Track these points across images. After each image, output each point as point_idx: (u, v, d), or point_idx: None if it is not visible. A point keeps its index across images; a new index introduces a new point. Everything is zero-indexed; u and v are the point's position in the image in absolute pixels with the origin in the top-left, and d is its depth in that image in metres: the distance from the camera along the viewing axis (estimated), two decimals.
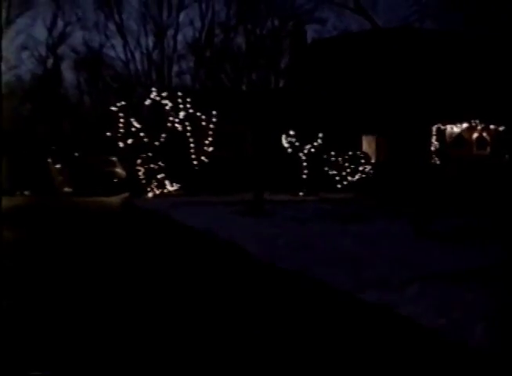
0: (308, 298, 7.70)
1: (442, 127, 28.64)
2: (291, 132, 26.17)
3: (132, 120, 24.35)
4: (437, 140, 28.56)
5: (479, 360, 5.41)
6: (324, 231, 13.56)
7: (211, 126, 25.57)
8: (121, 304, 7.32)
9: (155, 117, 25.35)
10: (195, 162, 25.47)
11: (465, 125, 28.96)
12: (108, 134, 24.85)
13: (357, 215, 16.77)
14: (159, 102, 24.97)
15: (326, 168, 27.21)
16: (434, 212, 17.03)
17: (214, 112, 25.44)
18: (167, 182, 25.00)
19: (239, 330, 6.34)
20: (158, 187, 24.87)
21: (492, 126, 29.61)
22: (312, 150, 26.45)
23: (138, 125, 24.34)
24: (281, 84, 46.80)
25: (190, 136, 25.29)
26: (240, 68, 48.03)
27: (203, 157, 25.51)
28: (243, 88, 46.75)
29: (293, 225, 14.61)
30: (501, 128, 29.76)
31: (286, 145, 26.34)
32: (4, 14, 41.51)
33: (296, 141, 26.22)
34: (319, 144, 26.46)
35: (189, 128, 25.19)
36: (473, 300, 7.12)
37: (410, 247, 11.18)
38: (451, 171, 28.23)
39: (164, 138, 24.68)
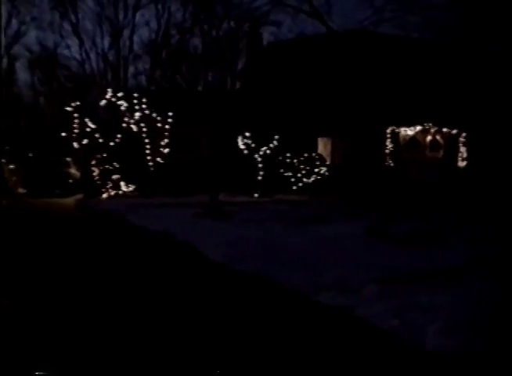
0: (267, 301, 7.76)
1: (396, 129, 28.99)
2: (247, 134, 26.24)
3: (87, 120, 24.17)
4: (391, 142, 28.89)
5: (432, 361, 5.54)
6: (282, 233, 13.62)
7: (167, 127, 25.50)
8: (69, 310, 7.31)
9: (110, 118, 25.18)
10: (150, 163, 25.38)
11: (418, 128, 29.36)
12: (63, 134, 24.65)
13: (314, 217, 16.87)
14: (114, 102, 24.81)
15: (282, 170, 27.34)
16: (389, 214, 17.25)
17: (170, 113, 25.38)
18: (122, 184, 24.84)
19: (203, 330, 6.39)
20: (113, 188, 24.71)
21: (444, 129, 30.05)
22: (268, 151, 26.55)
23: (93, 126, 24.17)
24: (237, 86, 46.87)
25: (146, 137, 25.19)
26: (196, 69, 47.98)
27: (158, 158, 25.42)
28: (200, 89, 46.70)
29: (251, 227, 14.65)
30: (454, 131, 30.23)
31: (242, 146, 26.39)
32: None
33: (252, 143, 26.30)
34: (275, 146, 26.58)
35: (144, 129, 25.09)
36: (427, 301, 7.26)
37: (367, 248, 11.32)
38: (405, 173, 28.58)
39: (120, 139, 24.53)
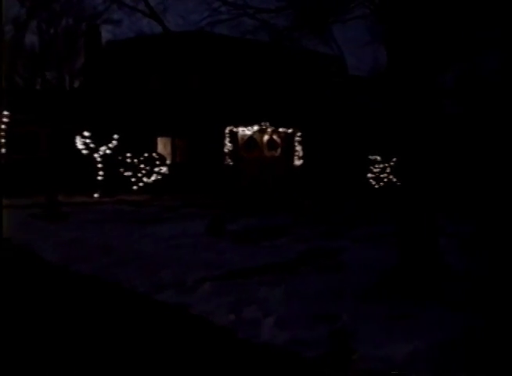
0: (104, 301, 7.80)
1: (235, 129, 29.42)
2: (86, 133, 25.84)
3: None
4: (230, 142, 29.27)
5: (265, 354, 5.81)
6: (122, 233, 13.64)
7: (3, 127, 24.70)
8: None
9: None
10: None
11: (256, 128, 29.93)
12: None
13: (154, 217, 16.96)
14: None
15: (122, 170, 27.11)
16: (228, 213, 17.61)
17: (5, 112, 24.59)
18: None
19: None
20: None
21: (281, 129, 30.81)
22: (108, 151, 26.27)
23: None
24: (76, 85, 45.97)
25: None
26: (34, 67, 46.66)
27: None
28: (37, 87, 45.48)
29: (90, 227, 14.57)
30: (290, 131, 31.06)
31: (81, 146, 25.95)
32: None
33: (91, 142, 25.92)
34: (115, 145, 26.34)
35: None
36: (263, 295, 7.57)
37: (205, 247, 11.57)
38: (244, 172, 29.12)
39: None
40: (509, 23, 9.15)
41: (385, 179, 31.27)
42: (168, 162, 28.85)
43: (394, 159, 30.49)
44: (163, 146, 29.78)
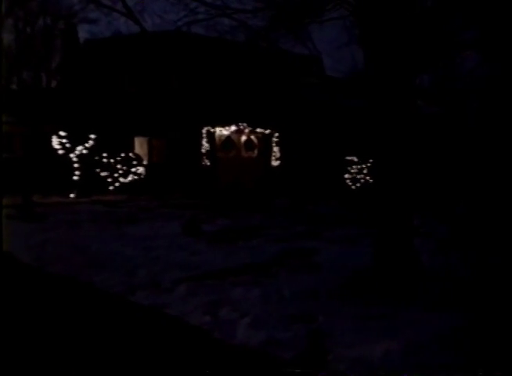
0: (79, 303, 7.75)
1: (212, 129, 29.36)
2: (62, 133, 25.69)
3: None
4: (207, 142, 29.20)
5: (241, 354, 5.80)
6: (97, 233, 13.58)
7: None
8: None
9: None
10: None
11: (233, 128, 29.87)
12: None
13: (130, 217, 16.89)
14: None
15: (98, 170, 26.97)
16: (205, 213, 17.59)
17: None
18: None
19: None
20: None
21: (258, 129, 30.77)
22: (84, 151, 26.13)
23: None
24: (53, 84, 45.68)
25: None
26: (10, 66, 46.32)
27: None
28: (14, 87, 45.17)
29: (66, 228, 14.49)
30: (267, 132, 31.03)
31: (57, 146, 25.80)
32: None
33: (67, 142, 25.77)
34: (91, 145, 26.21)
35: None
36: (239, 296, 7.56)
37: (181, 247, 11.55)
38: (221, 172, 29.07)
39: None
40: (487, 23, 9.23)
41: (362, 180, 31.39)
42: (145, 162, 28.77)
43: (370, 160, 30.58)
44: (140, 146, 29.67)
